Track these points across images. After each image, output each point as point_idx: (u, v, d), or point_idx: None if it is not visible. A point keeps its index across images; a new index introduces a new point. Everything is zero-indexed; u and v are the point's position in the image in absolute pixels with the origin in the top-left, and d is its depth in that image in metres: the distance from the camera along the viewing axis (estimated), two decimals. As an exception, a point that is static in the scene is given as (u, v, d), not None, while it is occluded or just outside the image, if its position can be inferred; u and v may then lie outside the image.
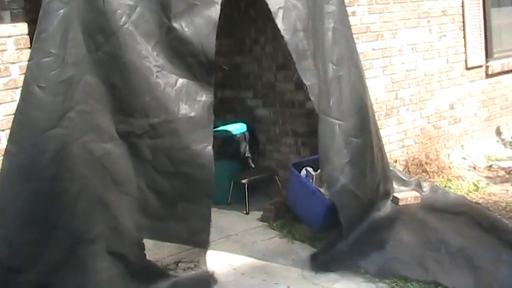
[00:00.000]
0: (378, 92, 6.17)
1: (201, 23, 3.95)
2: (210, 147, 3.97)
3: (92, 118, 3.80)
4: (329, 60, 4.74)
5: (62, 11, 3.64)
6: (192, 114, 3.94)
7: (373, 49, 6.12)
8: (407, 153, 6.52)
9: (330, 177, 4.64)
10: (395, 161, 6.32)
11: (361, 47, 5.74)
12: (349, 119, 4.74)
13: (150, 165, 3.94)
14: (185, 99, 3.92)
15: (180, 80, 3.92)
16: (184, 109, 3.91)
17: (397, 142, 6.44)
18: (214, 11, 3.98)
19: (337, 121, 4.64)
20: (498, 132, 7.86)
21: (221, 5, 3.98)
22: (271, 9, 4.29)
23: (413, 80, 6.61)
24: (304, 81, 4.43)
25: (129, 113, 3.87)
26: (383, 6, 6.18)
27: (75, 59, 3.71)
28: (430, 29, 6.75)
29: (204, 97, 3.97)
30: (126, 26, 3.71)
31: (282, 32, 4.33)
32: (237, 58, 6.40)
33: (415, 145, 6.61)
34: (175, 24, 3.89)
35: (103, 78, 3.79)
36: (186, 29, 3.90)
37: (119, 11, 3.70)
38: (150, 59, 3.81)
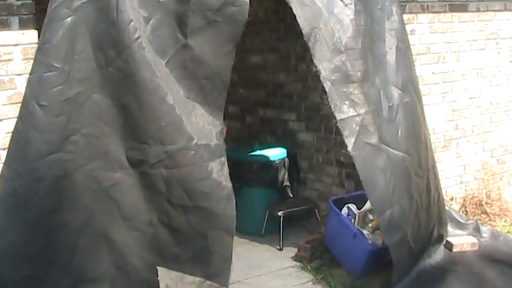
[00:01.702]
0: (436, 121, 5.57)
1: (220, 42, 3.51)
2: (228, 178, 3.58)
3: (99, 143, 3.37)
4: (393, 83, 4.15)
5: (69, 19, 3.21)
6: (208, 141, 3.52)
7: (432, 73, 5.52)
8: (465, 190, 5.89)
9: (390, 226, 4.02)
10: (452, 199, 5.71)
11: (419, 69, 5.13)
12: (415, 154, 4.15)
13: (164, 197, 3.51)
14: (201, 125, 3.51)
15: (192, 104, 3.48)
16: (200, 136, 3.48)
17: (454, 178, 5.82)
18: (236, 29, 3.52)
19: (405, 155, 4.04)
20: None
21: (250, 23, 3.58)
22: (303, 31, 3.78)
23: (477, 108, 5.95)
24: (336, 114, 3.85)
25: (142, 139, 3.42)
26: (446, 25, 5.57)
27: (82, 74, 3.28)
28: (498, 52, 6.08)
29: (216, 123, 3.57)
30: (140, 40, 3.26)
31: (315, 61, 3.81)
32: (281, 75, 5.93)
33: (475, 182, 5.96)
34: (192, 42, 3.44)
35: (114, 97, 3.35)
36: (203, 48, 3.46)
37: (132, 23, 3.24)
38: (164, 78, 3.34)
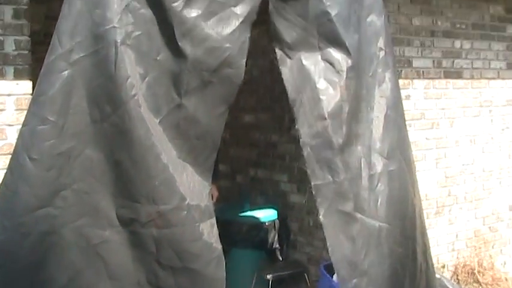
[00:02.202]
0: (429, 187, 5.53)
1: (213, 103, 3.43)
2: (218, 240, 3.43)
3: (90, 199, 3.23)
4: (377, 151, 4.07)
5: (66, 72, 3.12)
6: (199, 202, 3.39)
7: (426, 138, 5.51)
8: (457, 258, 5.80)
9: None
10: (443, 266, 5.63)
11: (413, 135, 5.12)
12: (396, 223, 4.03)
13: (153, 258, 3.34)
14: (191, 185, 3.38)
15: (182, 164, 3.37)
16: (191, 196, 3.36)
17: (446, 245, 5.74)
18: (231, 91, 3.45)
19: (384, 224, 3.93)
20: (560, 239, 7.02)
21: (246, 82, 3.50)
22: (289, 97, 3.65)
23: (470, 175, 5.94)
24: (311, 178, 3.64)
25: (134, 197, 3.29)
26: (441, 91, 5.61)
27: (76, 129, 3.16)
28: (491, 120, 6.11)
29: (205, 184, 3.44)
30: (137, 97, 3.17)
31: (297, 125, 3.67)
32: (274, 136, 5.88)
33: (467, 249, 5.89)
34: (186, 102, 3.34)
35: (107, 153, 3.24)
36: (197, 108, 3.38)
37: (130, 79, 3.16)
38: (158, 137, 3.26)
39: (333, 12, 3.81)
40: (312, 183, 3.66)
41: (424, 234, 4.49)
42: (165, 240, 3.33)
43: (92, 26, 3.11)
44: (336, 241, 3.72)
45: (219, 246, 3.42)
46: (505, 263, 6.20)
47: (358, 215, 3.80)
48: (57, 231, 3.15)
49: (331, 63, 3.86)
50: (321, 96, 3.83)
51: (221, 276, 3.42)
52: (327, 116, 3.81)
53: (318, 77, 3.82)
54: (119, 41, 3.12)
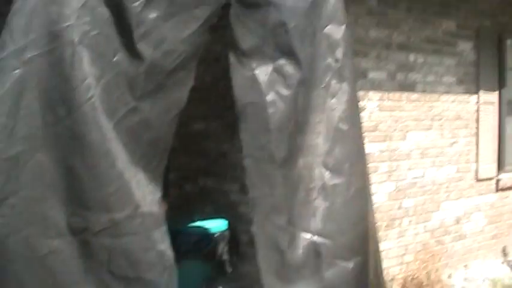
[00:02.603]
0: (380, 199, 5.52)
1: (166, 107, 3.34)
2: (171, 249, 3.36)
3: (38, 207, 3.05)
4: (322, 165, 4.01)
5: (17, 71, 2.93)
6: (151, 209, 3.29)
7: (380, 150, 5.49)
8: (406, 271, 5.78)
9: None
10: (392, 279, 5.59)
11: (366, 147, 5.06)
12: (338, 237, 3.97)
13: (106, 268, 3.20)
14: (143, 192, 3.27)
15: (134, 170, 3.24)
16: (144, 204, 3.25)
17: (396, 258, 5.74)
18: (183, 95, 3.38)
19: (319, 238, 3.87)
20: (504, 252, 7.16)
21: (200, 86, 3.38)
22: (238, 104, 3.61)
23: (420, 189, 5.96)
24: (250, 190, 3.63)
25: (86, 205, 3.13)
26: (395, 104, 5.60)
27: (26, 132, 2.98)
28: (442, 134, 6.16)
29: (157, 191, 3.35)
30: (93, 100, 3.01)
31: (241, 135, 3.64)
32: (225, 145, 5.73)
33: (415, 262, 5.88)
34: (141, 105, 3.22)
35: (59, 159, 3.06)
36: (151, 112, 3.27)
37: (87, 81, 3.00)
38: (113, 142, 3.12)
39: (291, 24, 3.77)
40: (250, 195, 3.64)
41: (376, 250, 4.45)
42: (118, 250, 3.21)
43: (48, 23, 2.93)
44: (265, 253, 3.69)
45: (172, 255, 3.35)
46: (450, 276, 6.25)
47: (291, 228, 3.77)
48: (2, 241, 2.97)
49: (282, 75, 3.81)
50: (268, 109, 3.78)
51: (174, 286, 3.37)
52: (271, 129, 3.76)
53: (267, 89, 3.76)
54: (76, 40, 2.97)
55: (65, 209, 3.09)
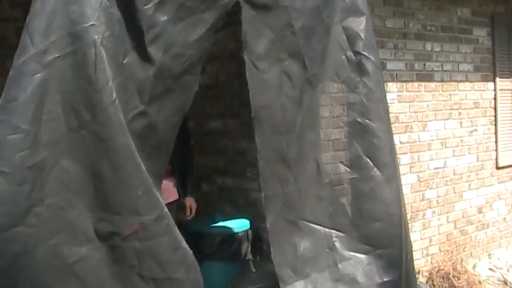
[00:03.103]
0: (404, 192, 5.37)
1: (172, 111, 3.30)
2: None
3: (65, 214, 2.95)
4: (338, 159, 4.04)
5: (39, 75, 2.82)
6: (167, 210, 3.27)
7: (401, 142, 5.41)
8: (431, 263, 5.71)
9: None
10: (418, 272, 5.49)
11: (389, 139, 5.00)
12: (353, 230, 3.92)
13: (135, 271, 3.14)
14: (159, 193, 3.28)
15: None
16: (164, 205, 3.24)
17: (421, 250, 5.66)
18: (188, 98, 3.35)
19: (332, 231, 3.86)
20: (526, 240, 7.06)
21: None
22: (252, 107, 3.60)
23: (442, 179, 5.87)
24: (263, 189, 3.67)
25: (115, 210, 3.05)
26: (414, 94, 5.51)
27: (50, 138, 2.87)
28: (461, 122, 6.06)
29: (160, 194, 3.29)
30: (117, 102, 2.93)
31: (256, 137, 3.65)
32: (243, 143, 5.63)
33: (440, 254, 5.81)
34: (149, 109, 3.16)
35: (85, 164, 2.97)
36: (158, 116, 3.22)
37: (110, 83, 2.90)
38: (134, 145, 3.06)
39: (297, 25, 3.75)
40: (263, 194, 3.65)
41: (407, 242, 4.37)
42: (147, 252, 3.16)
43: (68, 24, 2.83)
44: (279, 247, 3.74)
45: (191, 251, 3.33)
46: (475, 266, 6.17)
47: (302, 222, 3.81)
48: (29, 251, 2.87)
49: (288, 77, 3.79)
50: (279, 112, 3.76)
51: (201, 281, 3.36)
52: (282, 131, 3.75)
53: (278, 91, 3.75)
54: (98, 40, 2.87)
55: (92, 215, 3.02)
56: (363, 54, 4.09)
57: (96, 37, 2.87)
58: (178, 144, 4.30)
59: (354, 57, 4.10)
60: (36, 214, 2.85)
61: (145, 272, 3.15)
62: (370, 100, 4.13)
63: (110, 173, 2.97)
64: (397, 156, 5.29)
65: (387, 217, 4.14)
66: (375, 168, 4.11)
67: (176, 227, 3.29)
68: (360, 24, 4.11)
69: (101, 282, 3.07)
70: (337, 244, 3.90)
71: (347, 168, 4.00)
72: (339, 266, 3.89)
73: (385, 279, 3.97)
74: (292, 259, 3.77)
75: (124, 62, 3.09)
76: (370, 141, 4.15)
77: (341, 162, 4.01)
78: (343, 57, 4.09)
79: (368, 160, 4.09)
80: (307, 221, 3.83)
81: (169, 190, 4.36)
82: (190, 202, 4.62)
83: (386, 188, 4.18)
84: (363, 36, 4.10)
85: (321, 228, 3.86)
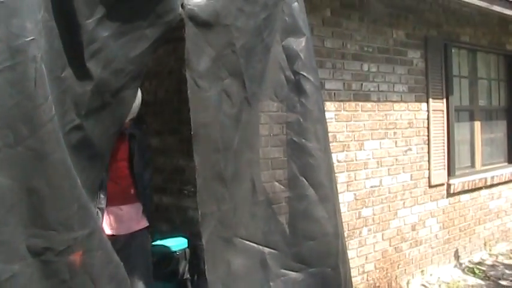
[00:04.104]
0: (341, 210, 5.46)
1: (109, 124, 3.29)
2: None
3: (-2, 232, 2.87)
4: (274, 179, 4.04)
5: (-27, 91, 2.75)
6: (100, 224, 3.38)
7: (338, 161, 5.49)
8: (367, 280, 5.79)
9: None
10: (354, 289, 5.55)
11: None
12: (283, 248, 3.98)
13: (67, 286, 3.09)
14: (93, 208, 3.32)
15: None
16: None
17: (357, 267, 5.72)
18: (125, 112, 3.43)
19: (266, 248, 3.91)
20: (456, 255, 7.27)
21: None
22: (193, 125, 3.59)
23: (378, 197, 5.98)
24: (199, 207, 3.68)
25: (50, 226, 2.98)
26: (351, 114, 5.62)
27: (-16, 155, 2.80)
28: (396, 142, 6.21)
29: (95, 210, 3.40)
30: (55, 117, 2.88)
31: (195, 155, 3.65)
32: (181, 160, 5.60)
33: (376, 271, 5.90)
34: (85, 123, 3.14)
35: (19, 180, 2.88)
36: (94, 130, 3.21)
37: (50, 98, 2.84)
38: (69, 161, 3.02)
39: (238, 44, 3.79)
40: (199, 211, 3.67)
41: (345, 262, 4.40)
42: (80, 267, 3.08)
43: (8, 38, 2.74)
44: (213, 264, 3.75)
45: (121, 264, 3.31)
46: (408, 282, 6.30)
47: (237, 240, 3.84)
48: (-41, 272, 2.78)
49: (228, 95, 3.82)
50: (218, 130, 3.77)
51: None
52: (220, 149, 3.77)
53: (217, 110, 3.77)
54: (39, 55, 2.81)
55: (25, 232, 2.92)
56: (301, 74, 4.15)
57: (37, 52, 2.81)
58: (139, 172, 4.29)
59: (293, 77, 4.15)
60: (-32, 233, 2.78)
61: (77, 286, 3.09)
62: (307, 120, 4.18)
63: (46, 189, 2.91)
64: (336, 175, 5.37)
65: (321, 236, 4.19)
66: (310, 188, 4.16)
67: (109, 242, 3.23)
68: (299, 44, 4.16)
69: (33, 298, 3.01)
70: (270, 261, 3.93)
71: (282, 187, 4.05)
72: (271, 283, 3.93)
73: (317, 298, 4.03)
74: (224, 276, 3.78)
75: (62, 75, 3.05)
76: (306, 160, 4.20)
77: (277, 181, 4.03)
78: (282, 76, 4.15)
79: (303, 179, 4.14)
80: (241, 238, 3.85)
81: (135, 219, 4.31)
82: None
83: (321, 207, 4.22)
84: (302, 56, 4.15)
85: (254, 245, 3.89)
